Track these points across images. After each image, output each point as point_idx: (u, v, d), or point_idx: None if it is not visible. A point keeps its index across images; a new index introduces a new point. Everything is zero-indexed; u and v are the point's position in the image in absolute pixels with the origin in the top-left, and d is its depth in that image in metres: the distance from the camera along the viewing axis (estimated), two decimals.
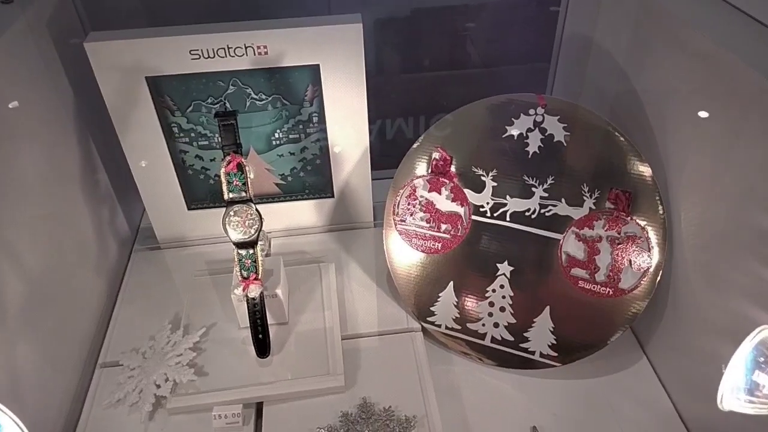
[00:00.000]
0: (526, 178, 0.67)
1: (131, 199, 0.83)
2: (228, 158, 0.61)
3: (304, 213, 0.83)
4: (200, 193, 0.80)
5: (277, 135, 0.76)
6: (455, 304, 0.70)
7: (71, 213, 0.71)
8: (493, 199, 0.68)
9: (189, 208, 0.81)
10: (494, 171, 0.68)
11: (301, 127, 0.76)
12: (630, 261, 0.64)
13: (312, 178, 0.81)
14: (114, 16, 0.82)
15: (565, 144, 0.66)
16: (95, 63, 0.67)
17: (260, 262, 0.62)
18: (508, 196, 0.68)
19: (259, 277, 0.62)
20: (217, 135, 0.75)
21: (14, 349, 0.56)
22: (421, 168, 0.71)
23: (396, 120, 0.96)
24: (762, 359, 0.34)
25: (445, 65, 0.95)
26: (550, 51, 0.92)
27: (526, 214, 0.67)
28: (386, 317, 0.73)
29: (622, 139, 0.64)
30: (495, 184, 0.68)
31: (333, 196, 0.82)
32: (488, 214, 0.69)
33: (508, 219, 0.68)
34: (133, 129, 0.73)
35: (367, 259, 0.81)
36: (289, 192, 0.82)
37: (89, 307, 0.73)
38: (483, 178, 0.69)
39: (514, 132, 0.67)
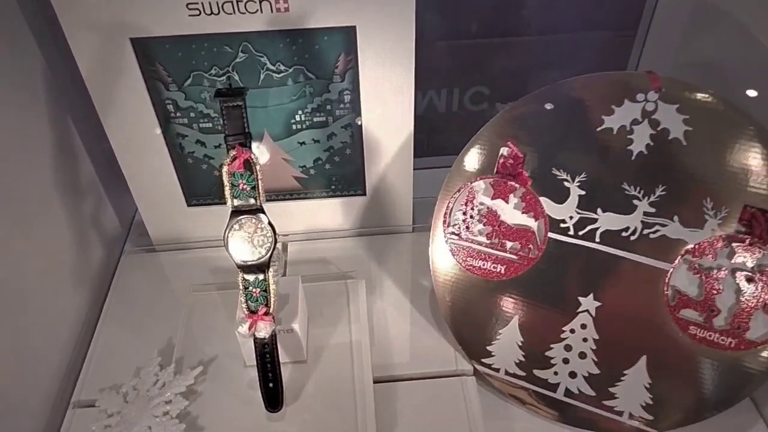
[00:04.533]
0: (627, 187, 0.50)
1: (124, 189, 0.68)
2: (233, 153, 0.45)
3: (328, 213, 0.68)
4: (202, 186, 0.65)
5: (298, 117, 0.61)
6: (520, 344, 0.55)
7: (41, 209, 0.57)
8: (579, 213, 0.52)
9: (189, 204, 0.66)
10: (583, 175, 0.52)
11: (328, 107, 0.60)
12: (765, 304, 0.48)
13: (340, 171, 0.65)
14: None
15: (684, 143, 0.49)
16: (65, 21, 0.52)
17: (272, 292, 0.47)
18: (599, 210, 0.51)
19: (271, 311, 0.47)
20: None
21: None
22: (484, 166, 0.54)
23: (440, 92, 0.79)
24: None
25: (504, 31, 0.77)
26: (636, 16, 0.74)
27: (624, 234, 0.51)
28: (429, 355, 0.58)
29: (766, 140, 0.47)
30: (583, 192, 0.52)
31: (365, 194, 0.67)
32: (571, 232, 0.52)
33: (597, 240, 0.52)
34: (117, 106, 0.57)
35: (404, 274, 0.66)
36: (311, 187, 0.66)
37: (65, 326, 0.59)
38: (566, 184, 0.52)
39: (614, 124, 0.50)
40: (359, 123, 0.61)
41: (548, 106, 0.52)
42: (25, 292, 0.54)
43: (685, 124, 0.48)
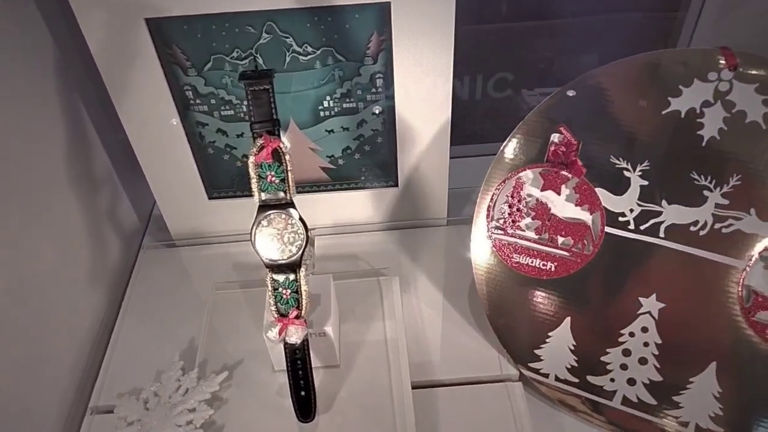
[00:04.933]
0: (696, 177, 0.45)
1: (141, 181, 0.64)
2: (260, 142, 0.41)
3: (358, 206, 0.64)
4: (224, 178, 0.61)
5: (326, 103, 0.56)
6: (572, 348, 0.50)
7: (52, 203, 0.53)
8: (640, 205, 0.47)
9: (210, 197, 0.62)
10: (645, 163, 0.47)
11: (359, 92, 0.56)
12: None
13: (370, 160, 0.61)
14: None
15: (764, 126, 0.43)
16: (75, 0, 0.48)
17: (304, 293, 0.43)
18: (665, 202, 0.46)
19: (303, 314, 0.43)
20: (245, 103, 0.55)
21: None
22: (532, 154, 0.50)
23: (462, 79, 0.74)
24: None
25: (528, 14, 0.71)
26: None
27: (692, 228, 0.46)
28: (471, 359, 0.53)
29: None
30: (645, 182, 0.47)
31: (396, 185, 0.62)
32: (631, 226, 0.47)
33: (661, 235, 0.47)
34: (132, 93, 0.53)
35: (440, 270, 0.61)
36: (339, 179, 0.62)
37: (81, 326, 0.56)
38: (627, 174, 0.47)
39: (682, 106, 0.45)
40: (377, 112, 0.56)
41: (597, 89, 0.47)
42: (38, 291, 0.50)
43: (765, 105, 0.43)
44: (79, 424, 0.51)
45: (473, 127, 0.78)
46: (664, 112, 0.46)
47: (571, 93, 0.48)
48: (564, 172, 0.48)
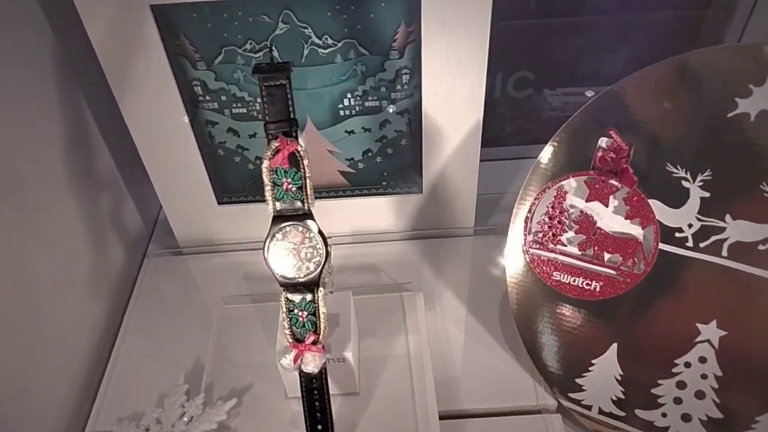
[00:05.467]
0: (766, 189, 0.40)
1: (147, 184, 0.60)
2: (275, 144, 0.36)
3: (378, 213, 0.59)
4: (235, 181, 0.57)
5: (346, 101, 0.51)
6: (619, 378, 0.45)
7: (52, 206, 0.49)
8: (700, 220, 0.42)
9: (219, 202, 0.58)
10: (707, 173, 0.41)
11: (383, 90, 0.51)
12: None
13: (393, 164, 0.56)
14: None
15: None
16: None
17: (323, 316, 0.38)
18: (728, 217, 0.41)
19: (321, 339, 0.38)
20: (259, 100, 0.51)
21: None
22: (576, 161, 0.45)
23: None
24: None
25: (552, 11, 0.66)
26: None
27: (761, 247, 0.41)
28: (504, 386, 0.48)
29: None
30: (706, 194, 0.41)
31: (421, 192, 0.58)
32: (690, 243, 0.42)
33: (724, 253, 0.41)
34: (136, 88, 0.49)
35: (467, 285, 0.57)
36: (359, 184, 0.57)
37: (79, 341, 0.51)
38: (685, 184, 0.42)
39: (752, 108, 0.40)
40: (391, 111, 0.51)
41: (649, 88, 0.42)
42: (34, 302, 0.46)
43: None
44: None
45: (493, 128, 0.73)
46: (729, 115, 0.40)
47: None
48: (613, 181, 0.43)
